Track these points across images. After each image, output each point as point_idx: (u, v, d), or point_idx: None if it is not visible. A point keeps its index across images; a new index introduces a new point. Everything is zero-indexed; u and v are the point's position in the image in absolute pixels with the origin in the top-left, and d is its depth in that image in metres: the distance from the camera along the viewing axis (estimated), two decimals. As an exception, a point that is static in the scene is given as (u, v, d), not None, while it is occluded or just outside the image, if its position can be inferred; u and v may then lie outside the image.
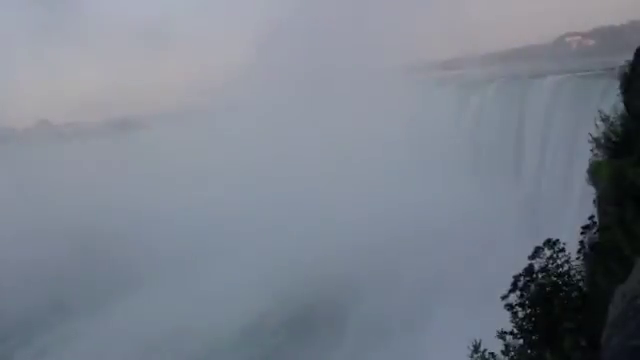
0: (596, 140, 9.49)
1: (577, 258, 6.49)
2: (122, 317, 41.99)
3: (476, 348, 4.51)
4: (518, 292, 6.17)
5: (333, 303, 38.27)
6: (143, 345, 38.80)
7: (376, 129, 47.26)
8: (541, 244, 6.44)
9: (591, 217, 7.00)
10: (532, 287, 5.81)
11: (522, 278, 6.19)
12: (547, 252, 6.44)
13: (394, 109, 47.04)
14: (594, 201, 7.81)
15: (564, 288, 5.69)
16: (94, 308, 44.71)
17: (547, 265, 6.34)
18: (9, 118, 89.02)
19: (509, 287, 6.24)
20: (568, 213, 23.18)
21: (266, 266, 42.41)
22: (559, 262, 6.36)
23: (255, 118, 60.39)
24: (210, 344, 37.73)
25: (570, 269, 5.98)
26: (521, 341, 5.57)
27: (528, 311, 6.01)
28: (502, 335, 5.03)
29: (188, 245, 47.87)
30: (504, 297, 6.08)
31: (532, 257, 6.43)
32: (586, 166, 10.22)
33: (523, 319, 5.92)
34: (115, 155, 68.22)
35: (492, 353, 4.59)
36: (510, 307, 6.05)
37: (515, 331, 5.68)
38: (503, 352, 4.77)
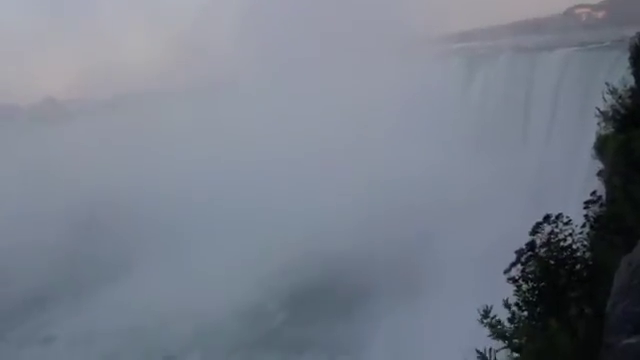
0: (604, 113, 9.39)
1: (581, 232, 6.46)
2: (124, 295, 42.46)
3: (486, 313, 4.55)
4: (520, 266, 6.17)
5: (336, 279, 38.53)
6: (141, 324, 39.31)
7: (383, 102, 47.01)
8: (542, 219, 6.43)
9: (594, 192, 6.95)
10: (535, 261, 5.80)
11: (524, 252, 6.17)
12: (550, 226, 6.41)
13: (401, 82, 46.67)
14: (598, 174, 7.77)
15: (568, 261, 5.67)
16: (96, 286, 45.21)
17: (550, 239, 6.31)
18: (14, 95, 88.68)
19: (512, 260, 6.23)
20: (574, 187, 23.12)
21: (265, 244, 42.56)
22: (563, 236, 6.32)
23: (255, 92, 60.07)
24: (206, 325, 38.12)
25: (574, 242, 5.96)
26: (525, 313, 5.59)
27: (531, 285, 6.00)
28: (507, 305, 5.05)
29: (188, 223, 48.10)
30: (506, 271, 6.07)
31: (534, 231, 6.40)
32: (593, 140, 10.15)
33: (526, 292, 5.92)
34: (119, 132, 68.21)
35: (499, 320, 4.64)
36: (513, 280, 6.05)
37: (519, 303, 5.69)
38: (509, 320, 4.81)
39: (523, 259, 5.95)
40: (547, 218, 5.92)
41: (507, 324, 4.81)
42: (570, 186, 25.10)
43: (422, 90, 45.55)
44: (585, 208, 6.28)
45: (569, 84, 30.47)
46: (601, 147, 8.84)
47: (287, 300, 40.23)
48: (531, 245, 5.81)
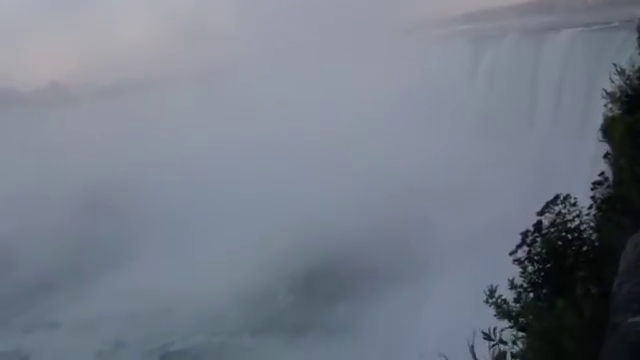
0: (611, 95, 9.32)
1: (588, 214, 6.47)
2: (127, 281, 42.74)
3: (492, 293, 4.60)
4: (526, 248, 6.20)
5: (337, 263, 38.71)
6: (144, 308, 39.59)
7: (385, 85, 46.79)
8: (552, 199, 6.44)
9: (601, 173, 6.95)
10: (541, 242, 5.83)
11: (530, 234, 6.19)
12: (557, 207, 6.42)
13: (404, 64, 46.41)
14: (605, 156, 7.76)
15: (575, 242, 5.70)
16: (100, 272, 45.51)
17: (556, 220, 6.33)
18: (15, 80, 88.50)
19: (518, 242, 6.26)
20: (581, 169, 23.06)
21: (266, 229, 42.70)
22: (570, 217, 6.33)
23: (256, 77, 59.89)
24: (210, 310, 38.37)
25: (581, 224, 5.98)
26: (531, 295, 5.63)
27: (537, 266, 6.04)
28: (513, 285, 5.10)
29: (190, 208, 48.28)
30: (512, 252, 6.11)
31: (541, 212, 6.41)
32: (600, 122, 10.10)
33: (532, 273, 5.96)
34: (122, 117, 68.23)
35: (504, 300, 4.69)
36: (519, 262, 6.08)
37: (525, 285, 5.73)
38: (515, 300, 4.86)
39: (529, 240, 5.98)
40: (556, 199, 5.95)
41: (513, 304, 4.85)
42: (576, 168, 25.05)
43: (425, 73, 45.33)
44: (592, 189, 6.29)
45: (575, 65, 30.23)
46: (608, 129, 8.81)
47: (289, 284, 40.55)
48: (538, 226, 5.84)
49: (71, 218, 52.98)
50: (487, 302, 4.77)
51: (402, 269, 33.44)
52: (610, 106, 9.18)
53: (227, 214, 46.42)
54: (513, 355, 4.45)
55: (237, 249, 42.00)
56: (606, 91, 9.46)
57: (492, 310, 4.76)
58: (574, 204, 6.37)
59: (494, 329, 4.44)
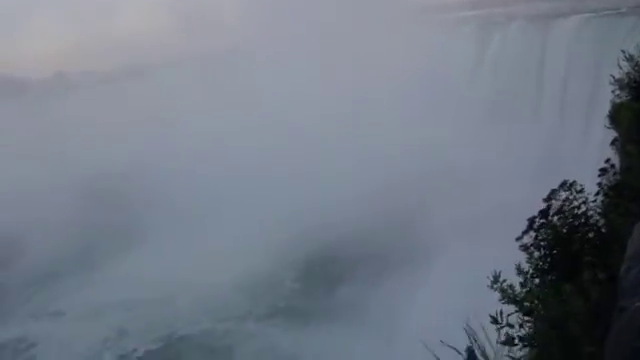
0: (619, 81, 9.29)
1: (594, 201, 6.47)
2: (133, 268, 42.92)
3: (496, 279, 4.62)
4: (533, 233, 6.21)
5: (346, 246, 38.79)
6: (149, 295, 39.79)
7: (391, 70, 46.56)
8: (558, 186, 6.44)
9: (608, 160, 6.95)
10: (548, 228, 5.85)
11: (537, 220, 6.20)
12: (564, 194, 6.43)
13: (410, 50, 46.12)
14: (612, 143, 7.75)
15: (582, 229, 5.71)
16: (107, 259, 45.73)
17: (563, 207, 6.33)
18: (20, 68, 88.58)
19: (524, 229, 6.28)
20: (588, 156, 22.99)
21: (271, 216, 42.75)
22: (576, 204, 6.34)
23: (257, 62, 59.70)
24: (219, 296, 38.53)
25: (588, 210, 5.98)
26: (537, 281, 5.65)
27: (544, 252, 6.05)
28: (520, 269, 5.12)
29: (199, 195, 48.32)
30: (518, 238, 6.12)
31: (547, 199, 6.41)
32: (607, 108, 10.07)
33: (539, 259, 5.97)
34: (130, 103, 68.22)
35: (510, 284, 4.72)
36: (525, 248, 6.10)
37: (531, 271, 5.75)
38: (521, 284, 4.88)
39: (536, 226, 6.00)
40: (563, 184, 5.95)
41: (519, 288, 4.88)
42: (583, 155, 24.99)
43: (430, 58, 45.05)
44: (600, 176, 6.29)
45: (583, 52, 30.03)
46: (615, 115, 8.79)
47: (293, 271, 40.66)
48: (544, 212, 5.85)
49: (76, 206, 53.13)
50: (492, 287, 4.80)
51: (404, 255, 33.53)
52: (618, 92, 9.16)
53: (230, 201, 46.51)
54: (520, 338, 4.48)
55: (240, 236, 42.07)
56: (614, 77, 9.42)
57: (497, 295, 4.79)
58: (580, 191, 6.38)
59: (500, 312, 4.48)
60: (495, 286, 4.76)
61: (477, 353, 4.58)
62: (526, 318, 4.59)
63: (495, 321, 4.49)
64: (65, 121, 68.50)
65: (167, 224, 46.87)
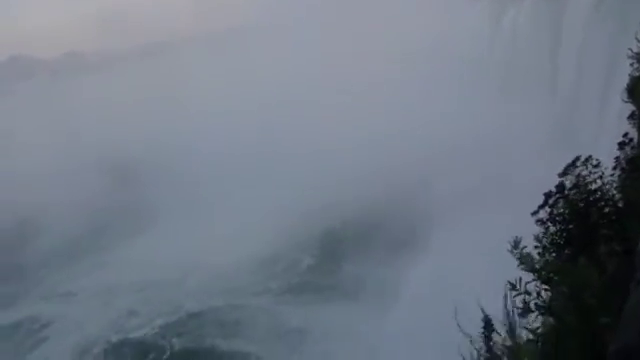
0: (637, 54, 9.18)
1: (612, 175, 6.49)
2: (147, 248, 43.34)
3: (516, 244, 4.70)
4: (548, 208, 6.25)
5: (357, 225, 38.92)
6: (160, 276, 40.23)
7: (404, 45, 46.16)
8: (572, 161, 6.46)
9: (626, 134, 6.93)
10: (564, 202, 5.89)
11: (553, 195, 6.24)
12: (580, 168, 6.44)
13: (425, 25, 45.66)
14: (629, 117, 7.71)
15: (598, 203, 5.75)
16: (120, 240, 46.17)
17: (579, 181, 6.36)
18: (36, 49, 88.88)
19: (540, 204, 6.32)
20: (604, 131, 22.80)
21: (284, 195, 42.91)
22: (592, 178, 6.36)
23: (273, 37, 59.31)
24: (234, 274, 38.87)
25: (604, 185, 6.01)
26: (553, 255, 5.71)
27: (560, 227, 6.09)
28: (538, 239, 5.18)
29: (210, 174, 48.53)
30: (534, 213, 6.16)
31: (563, 173, 6.43)
32: (625, 82, 9.98)
33: (554, 234, 6.02)
34: (144, 82, 68.26)
35: (529, 253, 4.79)
36: (541, 222, 6.14)
37: (547, 245, 5.81)
38: (539, 254, 4.95)
39: (551, 201, 6.03)
40: (577, 160, 5.97)
41: (537, 257, 4.94)
42: (600, 129, 24.76)
43: (445, 34, 44.57)
44: (618, 150, 6.29)
45: (600, 25, 29.56)
46: (633, 89, 8.71)
47: (305, 249, 41.01)
48: (560, 187, 5.88)
49: (89, 187, 53.69)
50: (511, 253, 4.86)
51: (418, 229, 33.64)
52: (636, 66, 9.07)
53: (244, 180, 46.72)
54: (537, 307, 4.57)
55: (254, 215, 42.36)
56: (632, 50, 9.32)
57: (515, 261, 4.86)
58: (597, 165, 6.39)
59: (520, 279, 4.57)
60: (515, 252, 4.83)
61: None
62: (544, 287, 4.66)
63: (513, 287, 4.57)
64: (77, 101, 68.91)
65: (179, 204, 47.26)
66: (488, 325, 4.55)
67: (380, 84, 46.50)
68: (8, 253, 48.37)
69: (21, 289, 43.72)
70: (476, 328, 4.88)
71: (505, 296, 4.59)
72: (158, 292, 39.17)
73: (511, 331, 4.73)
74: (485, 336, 4.57)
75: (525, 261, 4.73)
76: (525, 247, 4.90)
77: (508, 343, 4.70)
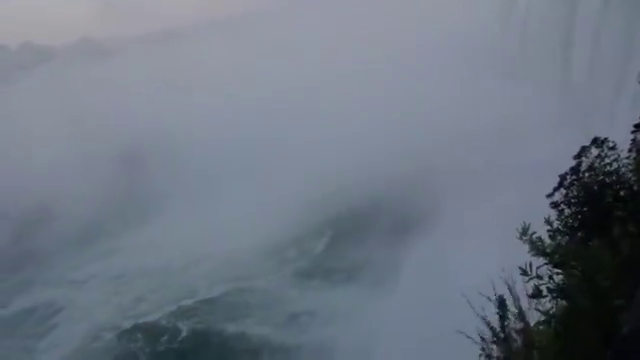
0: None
1: (628, 157, 6.41)
2: (156, 234, 43.57)
3: (525, 230, 4.66)
4: (563, 190, 6.20)
5: (366, 210, 38.90)
6: (169, 262, 40.43)
7: (418, 32, 45.76)
8: (588, 143, 6.38)
9: (642, 115, 6.82)
10: (579, 185, 5.83)
11: (568, 177, 6.18)
12: (595, 151, 6.38)
13: (436, 9, 45.19)
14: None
15: (614, 186, 5.69)
16: (132, 226, 46.44)
17: (594, 164, 6.29)
18: (48, 35, 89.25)
19: (553, 186, 6.26)
20: (620, 113, 22.52)
21: (296, 181, 42.92)
22: (608, 161, 6.29)
23: (288, 22, 59.01)
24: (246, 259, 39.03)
25: (620, 167, 5.95)
26: (567, 238, 5.67)
27: (574, 209, 6.04)
28: (549, 222, 5.14)
29: (220, 162, 48.60)
30: (549, 195, 6.11)
31: (578, 156, 6.36)
32: (641, 64, 9.83)
33: (569, 217, 5.97)
34: (156, 69, 68.29)
35: (539, 237, 4.75)
36: (555, 205, 6.09)
37: (561, 228, 5.77)
38: (550, 237, 4.90)
39: (567, 183, 5.98)
40: (594, 142, 5.89)
41: (548, 240, 4.90)
42: (615, 112, 24.48)
43: (459, 18, 44.11)
44: (633, 132, 6.21)
45: (615, 9, 29.11)
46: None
47: (316, 234, 41.15)
48: (575, 169, 5.82)
49: (103, 172, 53.97)
50: (521, 239, 4.82)
51: (425, 213, 33.61)
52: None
53: (253, 167, 46.78)
54: (549, 290, 4.54)
55: (263, 202, 42.48)
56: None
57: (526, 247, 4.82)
58: (612, 148, 6.32)
59: (530, 264, 4.53)
60: (524, 238, 4.79)
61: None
62: (555, 270, 4.62)
63: (524, 272, 4.54)
64: (90, 88, 69.11)
65: (189, 190, 47.44)
66: (502, 305, 4.54)
67: (388, 70, 46.20)
68: (23, 239, 49.00)
69: (35, 275, 44.33)
70: (480, 310, 4.87)
71: (509, 280, 4.56)
72: (169, 278, 39.55)
73: (520, 313, 4.71)
74: (500, 316, 4.56)
75: (536, 246, 4.69)
76: (534, 233, 4.85)
77: (518, 325, 4.69)
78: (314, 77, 49.24)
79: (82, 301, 39.59)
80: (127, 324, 35.65)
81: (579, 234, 5.84)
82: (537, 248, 4.62)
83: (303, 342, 30.62)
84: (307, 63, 51.76)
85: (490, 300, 4.83)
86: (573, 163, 6.29)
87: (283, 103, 50.68)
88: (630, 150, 6.37)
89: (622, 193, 5.96)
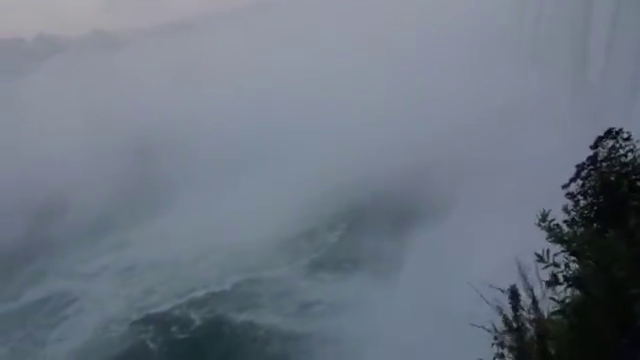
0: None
1: (643, 148, 6.34)
2: (168, 226, 43.68)
3: (544, 217, 4.63)
4: (580, 181, 6.16)
5: (384, 198, 38.83)
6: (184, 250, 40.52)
7: (435, 16, 45.39)
8: (604, 134, 6.33)
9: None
10: (596, 175, 5.79)
11: (585, 167, 6.14)
12: (610, 141, 6.33)
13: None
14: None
15: (630, 176, 5.65)
16: (144, 218, 46.51)
17: (610, 154, 6.25)
18: (61, 27, 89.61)
19: (571, 176, 6.22)
20: (636, 102, 22.26)
21: (307, 173, 42.85)
22: (622, 152, 6.25)
23: (308, 14, 58.73)
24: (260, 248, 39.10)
25: (636, 158, 5.90)
26: (582, 229, 5.63)
27: (590, 200, 6.01)
28: (566, 210, 5.11)
29: (236, 151, 48.62)
30: (565, 186, 6.07)
31: (594, 146, 6.32)
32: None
33: (584, 207, 5.94)
34: (167, 60, 68.39)
35: (557, 224, 4.73)
36: (571, 196, 6.06)
37: (577, 219, 5.73)
38: (568, 224, 4.88)
39: (584, 174, 5.93)
40: (609, 133, 5.84)
41: (566, 228, 4.87)
42: (632, 101, 24.22)
43: (473, 2, 43.74)
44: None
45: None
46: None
47: (331, 225, 41.16)
48: (592, 159, 5.77)
49: (115, 164, 54.14)
50: (539, 225, 4.80)
51: (444, 202, 33.50)
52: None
53: (268, 158, 46.73)
54: (565, 278, 4.52)
55: (280, 193, 42.49)
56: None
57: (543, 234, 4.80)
58: (627, 138, 6.27)
59: (547, 251, 4.51)
60: (542, 225, 4.76)
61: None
62: (572, 258, 4.60)
63: (541, 259, 4.52)
64: (103, 79, 69.40)
65: (203, 181, 47.44)
66: (515, 296, 4.53)
67: (399, 61, 45.93)
68: (38, 230, 49.34)
69: (50, 265, 44.68)
70: (491, 300, 4.86)
71: (522, 269, 4.55)
72: (180, 269, 39.74)
73: (534, 303, 4.70)
74: (512, 306, 4.55)
75: (554, 233, 4.66)
76: (553, 220, 4.83)
77: (532, 315, 4.67)
78: (325, 67, 49.07)
79: (94, 292, 39.89)
80: (138, 315, 35.93)
81: (595, 225, 5.81)
82: (555, 235, 4.60)
83: (312, 330, 30.82)
84: (317, 53, 51.56)
85: (502, 291, 4.81)
86: (585, 155, 6.25)
87: (294, 95, 50.54)
88: (647, 139, 6.31)
89: (638, 184, 5.92)
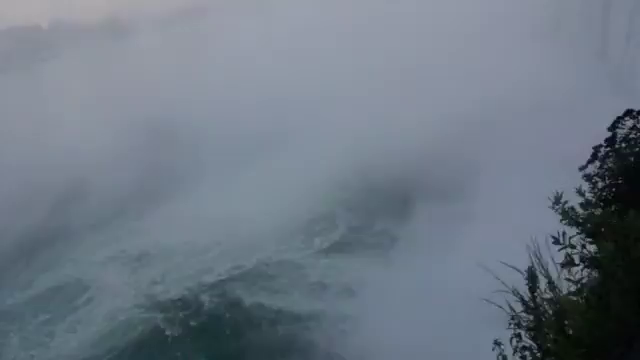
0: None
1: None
2: (185, 210, 43.86)
3: (557, 199, 4.60)
4: (597, 163, 6.10)
5: (401, 182, 38.76)
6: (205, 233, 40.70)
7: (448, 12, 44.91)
8: (623, 114, 6.26)
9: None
10: (614, 156, 5.73)
11: (602, 148, 6.08)
12: (629, 122, 6.24)
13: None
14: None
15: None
16: (158, 203, 46.72)
17: (629, 135, 6.17)
18: (78, 13, 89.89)
19: (588, 158, 6.17)
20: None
21: (318, 157, 42.68)
22: (643, 133, 6.15)
23: (315, 3, 58.28)
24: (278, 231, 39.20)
25: (655, 139, 5.81)
26: (600, 210, 5.58)
27: (608, 182, 5.95)
28: (580, 192, 5.06)
29: (250, 137, 48.57)
30: (582, 168, 6.02)
31: (612, 127, 6.24)
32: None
33: (602, 189, 5.88)
34: (183, 45, 68.37)
35: (572, 207, 4.68)
36: (589, 178, 6.00)
37: (594, 201, 5.68)
38: (582, 206, 4.84)
39: (601, 155, 5.87)
40: (628, 113, 5.77)
41: (580, 210, 4.83)
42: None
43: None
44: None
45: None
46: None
47: (344, 209, 41.21)
48: (611, 140, 5.71)
49: (131, 151, 54.31)
50: (553, 208, 4.76)
51: (462, 186, 33.38)
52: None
53: (283, 143, 46.72)
54: (582, 259, 4.49)
55: (294, 178, 42.52)
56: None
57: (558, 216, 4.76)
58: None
59: (563, 233, 4.48)
60: (556, 207, 4.72)
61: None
62: (588, 240, 4.57)
63: (557, 241, 4.49)
64: (120, 64, 69.58)
65: (219, 166, 47.52)
66: (532, 277, 4.51)
67: (417, 47, 45.51)
68: (56, 215, 49.69)
69: (64, 252, 44.92)
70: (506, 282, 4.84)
71: (535, 250, 4.52)
72: (193, 255, 40.00)
73: (550, 283, 4.68)
74: (529, 287, 4.54)
75: (568, 215, 4.62)
76: (567, 202, 4.78)
77: (548, 295, 4.65)
78: (340, 52, 48.71)
79: (107, 279, 40.15)
80: (152, 301, 36.19)
81: (613, 207, 5.75)
82: (569, 217, 4.56)
83: (325, 310, 31.13)
84: (334, 39, 51.19)
85: (519, 271, 4.80)
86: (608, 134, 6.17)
87: (308, 78, 50.31)
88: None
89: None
